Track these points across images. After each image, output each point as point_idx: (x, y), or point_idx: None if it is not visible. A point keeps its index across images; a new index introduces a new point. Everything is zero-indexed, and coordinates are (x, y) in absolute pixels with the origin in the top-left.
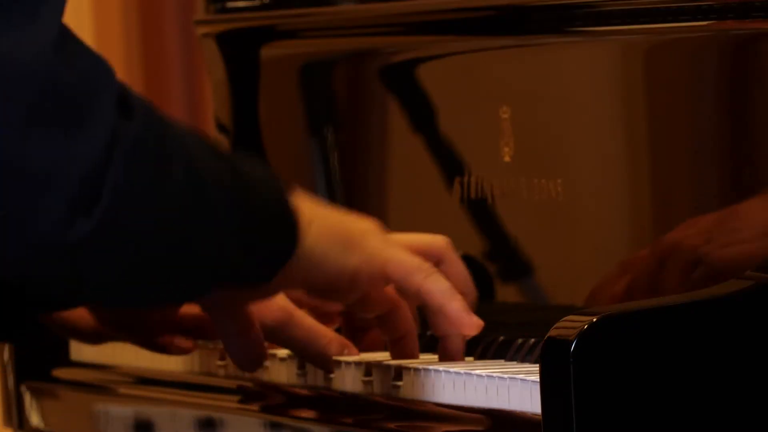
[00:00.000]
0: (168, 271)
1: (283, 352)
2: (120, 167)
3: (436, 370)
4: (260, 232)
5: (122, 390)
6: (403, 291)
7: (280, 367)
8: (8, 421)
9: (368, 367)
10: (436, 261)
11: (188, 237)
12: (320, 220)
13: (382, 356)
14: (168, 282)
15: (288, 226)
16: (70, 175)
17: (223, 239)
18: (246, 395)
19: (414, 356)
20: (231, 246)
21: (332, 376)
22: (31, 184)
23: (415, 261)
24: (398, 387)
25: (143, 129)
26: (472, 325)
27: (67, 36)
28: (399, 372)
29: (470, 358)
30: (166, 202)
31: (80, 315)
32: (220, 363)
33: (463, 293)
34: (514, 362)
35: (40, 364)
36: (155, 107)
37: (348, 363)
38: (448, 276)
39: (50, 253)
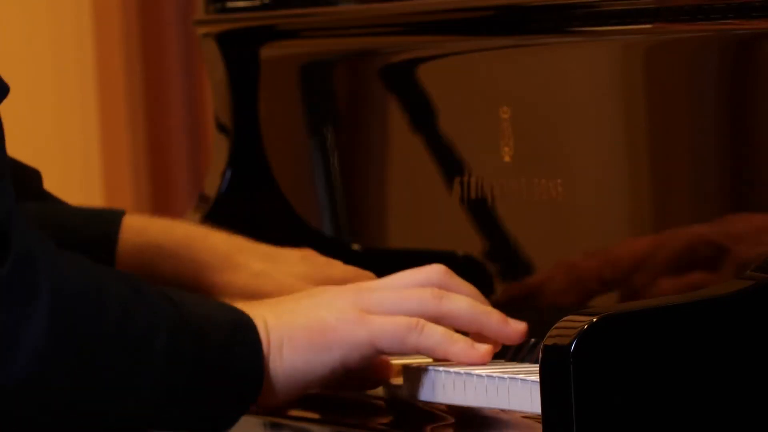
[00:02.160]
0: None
1: None
2: None
3: (436, 370)
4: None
5: None
6: (404, 354)
7: None
8: None
9: None
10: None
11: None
12: (290, 331)
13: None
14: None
15: (248, 375)
16: None
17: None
18: None
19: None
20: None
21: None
22: None
23: (401, 324)
24: (399, 387)
25: (7, 273)
26: (477, 359)
27: None
28: (399, 372)
29: None
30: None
31: None
32: None
33: None
34: (514, 362)
35: None
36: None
37: None
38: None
39: None
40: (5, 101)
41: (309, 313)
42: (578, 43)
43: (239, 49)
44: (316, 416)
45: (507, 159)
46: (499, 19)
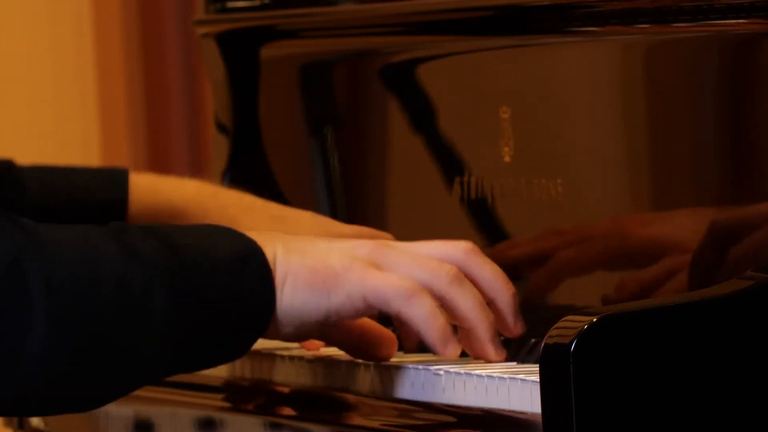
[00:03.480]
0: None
1: (285, 352)
2: None
3: (437, 371)
4: (218, 319)
5: None
6: (388, 316)
7: (280, 367)
8: (8, 422)
9: (368, 367)
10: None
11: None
12: (296, 268)
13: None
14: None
15: (258, 302)
16: None
17: (157, 344)
18: (246, 395)
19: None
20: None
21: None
22: None
23: (393, 285)
24: (399, 387)
25: None
26: (448, 352)
27: None
28: (399, 372)
29: (470, 358)
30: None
31: None
32: None
33: (494, 299)
34: (514, 362)
35: None
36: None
37: (349, 363)
38: (474, 284)
39: None
40: (3, 102)
41: (319, 255)
42: (578, 43)
43: (239, 49)
44: (316, 416)
45: (507, 159)
46: (499, 19)
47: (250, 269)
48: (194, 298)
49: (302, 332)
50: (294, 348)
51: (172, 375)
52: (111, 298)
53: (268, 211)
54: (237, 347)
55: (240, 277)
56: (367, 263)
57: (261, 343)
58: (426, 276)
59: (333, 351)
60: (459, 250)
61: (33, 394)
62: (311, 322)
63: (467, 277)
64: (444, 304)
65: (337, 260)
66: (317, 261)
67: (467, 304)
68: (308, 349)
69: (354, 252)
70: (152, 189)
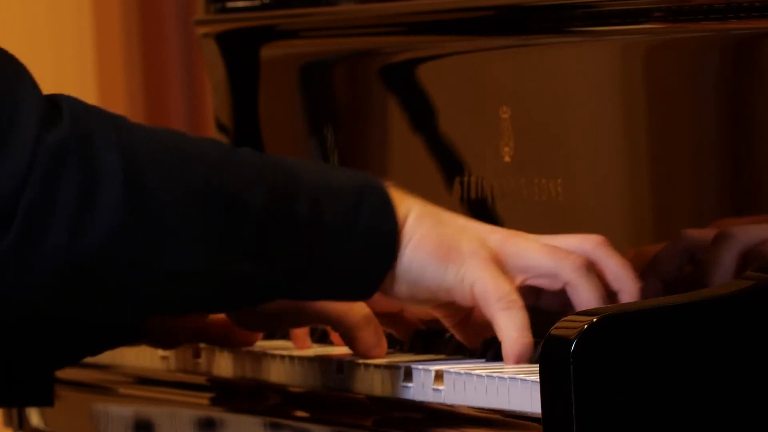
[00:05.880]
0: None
1: (284, 352)
2: (37, 181)
3: (437, 370)
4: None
5: (122, 390)
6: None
7: (280, 367)
8: (8, 421)
9: (369, 367)
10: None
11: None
12: (425, 231)
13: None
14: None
15: (378, 236)
16: None
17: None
18: (246, 395)
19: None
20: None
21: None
22: None
23: (499, 289)
24: (399, 387)
25: (68, 133)
26: (510, 362)
27: None
28: (400, 372)
29: (469, 357)
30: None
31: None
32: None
33: (619, 290)
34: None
35: None
36: (116, 119)
37: (349, 363)
38: (601, 275)
39: None
40: None
41: (452, 229)
42: (578, 43)
43: (239, 49)
44: (316, 416)
45: (507, 159)
46: (499, 19)
47: (370, 203)
48: (299, 207)
49: (415, 297)
50: (294, 348)
51: (273, 298)
52: (202, 188)
53: None
54: (359, 281)
55: (358, 207)
56: (492, 257)
57: (261, 344)
58: (551, 264)
59: (333, 351)
60: (588, 241)
61: (97, 259)
62: (424, 289)
63: (595, 268)
64: (567, 292)
65: (467, 241)
66: (447, 234)
67: (589, 295)
68: (299, 347)
69: (486, 237)
70: None
